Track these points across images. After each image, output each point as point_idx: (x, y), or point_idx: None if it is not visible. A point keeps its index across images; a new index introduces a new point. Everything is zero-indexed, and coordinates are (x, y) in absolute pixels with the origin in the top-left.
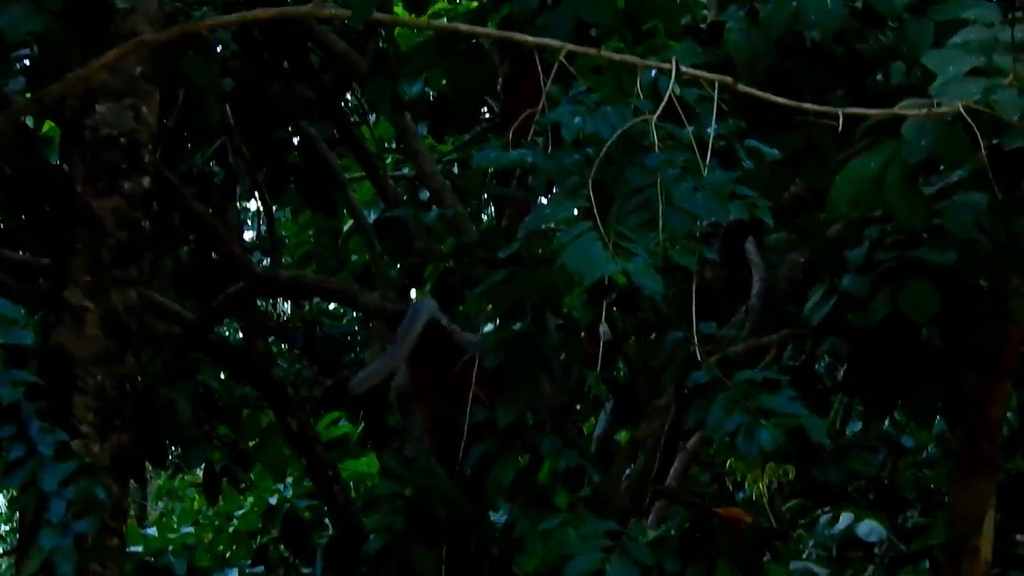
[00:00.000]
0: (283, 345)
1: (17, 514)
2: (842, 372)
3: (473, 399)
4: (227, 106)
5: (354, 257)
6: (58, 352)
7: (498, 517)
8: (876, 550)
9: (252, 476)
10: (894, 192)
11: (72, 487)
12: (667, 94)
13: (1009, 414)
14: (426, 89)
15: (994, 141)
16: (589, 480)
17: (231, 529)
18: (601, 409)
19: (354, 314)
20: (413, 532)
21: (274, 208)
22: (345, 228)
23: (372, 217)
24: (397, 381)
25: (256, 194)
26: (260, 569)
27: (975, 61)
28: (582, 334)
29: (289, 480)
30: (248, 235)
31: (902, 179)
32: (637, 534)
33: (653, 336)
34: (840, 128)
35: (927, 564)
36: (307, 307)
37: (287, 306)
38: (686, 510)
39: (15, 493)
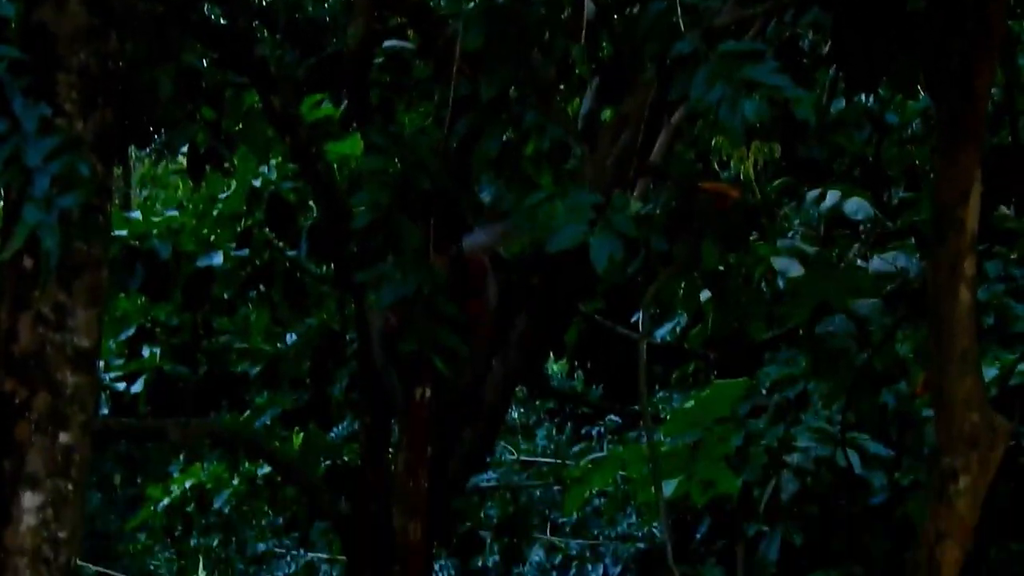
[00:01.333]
0: (264, 32)
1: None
2: (827, 47)
3: (457, 74)
4: None
5: None
6: (40, 30)
7: (484, 197)
8: (862, 227)
9: (236, 160)
10: None
11: (56, 162)
12: None
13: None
14: None
15: None
16: (574, 156)
17: (215, 212)
18: (586, 89)
19: None
20: (399, 207)
21: None
22: None
23: None
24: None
25: None
26: (245, 252)
27: None
28: (565, 9)
29: (273, 163)
30: None
31: None
32: (621, 206)
33: (636, 8)
34: None
35: (913, 240)
36: None
37: None
38: (671, 187)
39: None
